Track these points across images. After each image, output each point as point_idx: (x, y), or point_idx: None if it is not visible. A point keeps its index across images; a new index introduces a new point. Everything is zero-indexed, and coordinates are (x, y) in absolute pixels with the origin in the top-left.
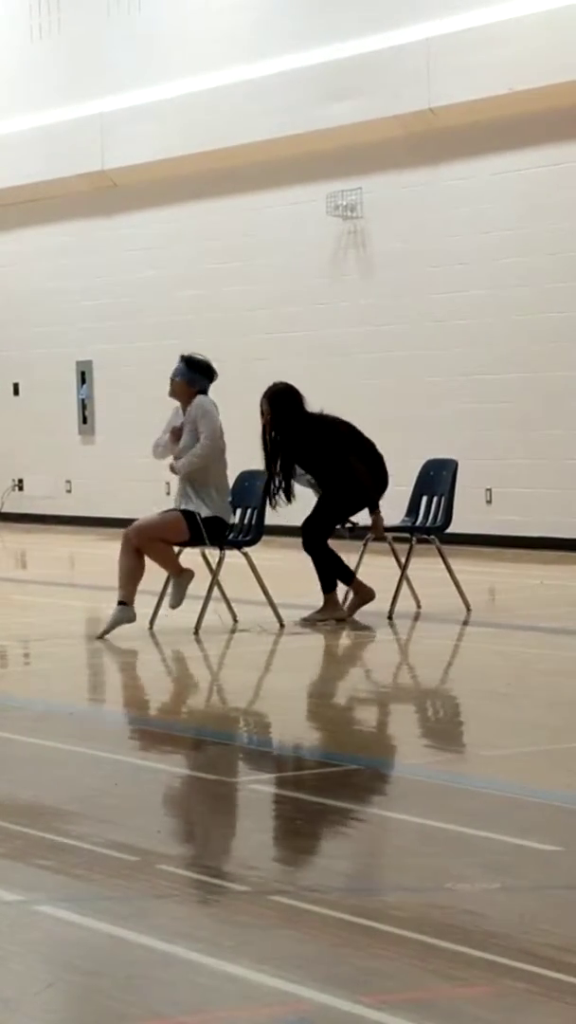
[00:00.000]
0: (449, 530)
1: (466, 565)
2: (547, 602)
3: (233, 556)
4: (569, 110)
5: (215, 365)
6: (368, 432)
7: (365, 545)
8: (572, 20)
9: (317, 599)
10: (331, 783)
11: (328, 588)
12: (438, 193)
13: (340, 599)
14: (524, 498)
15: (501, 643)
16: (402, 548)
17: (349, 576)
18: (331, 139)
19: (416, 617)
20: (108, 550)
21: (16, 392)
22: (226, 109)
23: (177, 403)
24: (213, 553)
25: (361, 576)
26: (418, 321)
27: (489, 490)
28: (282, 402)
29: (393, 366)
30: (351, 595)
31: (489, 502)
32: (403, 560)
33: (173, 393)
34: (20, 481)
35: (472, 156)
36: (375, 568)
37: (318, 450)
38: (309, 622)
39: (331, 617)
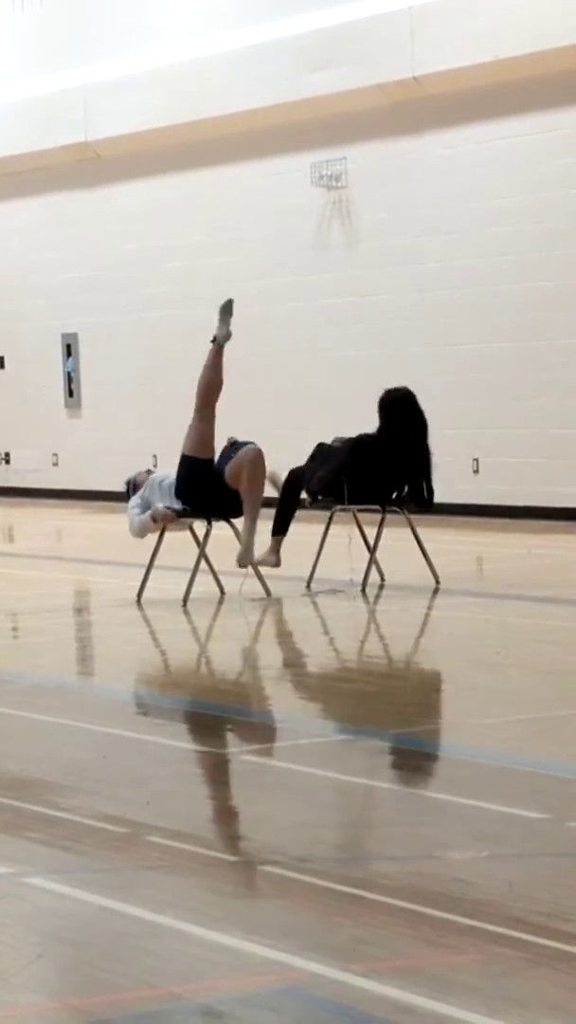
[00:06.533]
0: (436, 500)
1: (453, 535)
2: (535, 571)
3: (220, 527)
4: (554, 77)
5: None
6: (353, 403)
7: (331, 516)
8: None
9: (319, 573)
10: (320, 753)
11: (277, 531)
12: (423, 162)
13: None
14: (511, 468)
15: (489, 612)
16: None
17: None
18: (315, 108)
19: (380, 587)
20: (96, 523)
21: (2, 365)
22: (209, 79)
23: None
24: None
25: (331, 546)
26: (404, 291)
27: (476, 460)
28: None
29: (379, 336)
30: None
31: (476, 472)
32: (376, 532)
33: None
34: (7, 455)
35: (457, 124)
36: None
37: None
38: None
39: (268, 562)
